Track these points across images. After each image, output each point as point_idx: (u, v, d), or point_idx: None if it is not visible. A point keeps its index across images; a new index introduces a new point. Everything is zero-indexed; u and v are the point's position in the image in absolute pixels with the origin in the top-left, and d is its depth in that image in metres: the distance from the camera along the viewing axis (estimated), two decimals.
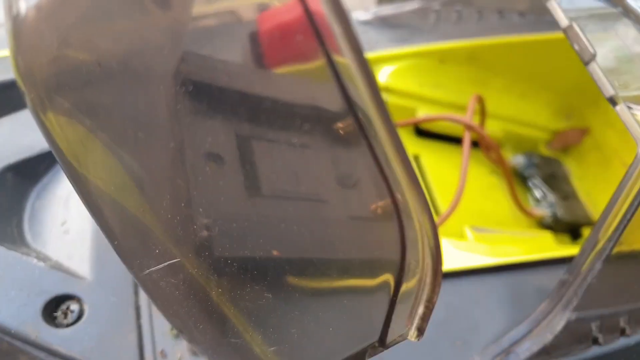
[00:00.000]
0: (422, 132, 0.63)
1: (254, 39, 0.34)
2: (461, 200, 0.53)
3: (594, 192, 0.66)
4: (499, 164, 0.62)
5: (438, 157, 0.61)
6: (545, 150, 0.70)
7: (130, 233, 0.30)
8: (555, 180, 0.67)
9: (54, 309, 0.43)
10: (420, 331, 0.27)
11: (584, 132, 0.70)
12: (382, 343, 0.29)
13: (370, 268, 0.31)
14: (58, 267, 0.45)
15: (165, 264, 0.29)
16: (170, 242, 0.30)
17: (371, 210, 0.29)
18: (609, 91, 0.42)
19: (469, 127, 0.55)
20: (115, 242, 0.28)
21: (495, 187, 0.63)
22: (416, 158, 0.61)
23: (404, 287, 0.28)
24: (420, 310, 0.26)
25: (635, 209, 0.39)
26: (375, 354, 0.30)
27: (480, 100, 0.59)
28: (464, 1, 0.65)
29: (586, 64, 0.44)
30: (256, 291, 0.31)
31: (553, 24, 0.45)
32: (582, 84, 0.60)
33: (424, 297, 0.26)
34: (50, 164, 0.52)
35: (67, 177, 0.27)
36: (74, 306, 0.43)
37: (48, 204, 0.51)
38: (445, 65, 0.63)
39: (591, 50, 0.43)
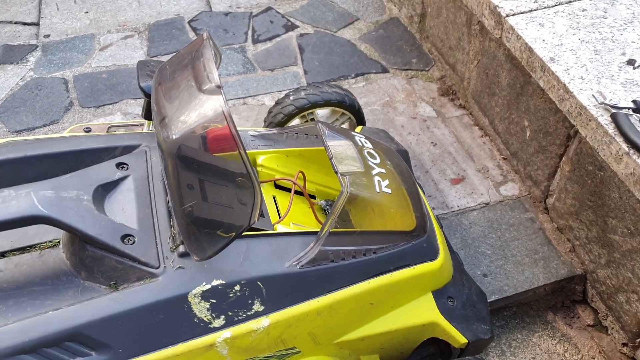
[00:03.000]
0: (277, 186, 1.37)
1: (204, 139, 1.05)
2: (290, 214, 1.26)
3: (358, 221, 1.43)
4: (309, 202, 1.36)
5: (283, 196, 1.35)
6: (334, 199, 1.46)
7: None
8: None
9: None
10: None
11: None
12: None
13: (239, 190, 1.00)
14: None
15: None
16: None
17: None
18: (335, 169, 1.19)
19: (293, 183, 1.29)
20: None
21: (307, 211, 1.37)
22: (274, 197, 1.34)
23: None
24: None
25: None
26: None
27: (303, 173, 1.34)
28: (299, 130, 1.44)
29: (330, 159, 1.21)
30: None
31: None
32: None
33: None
34: None
35: None
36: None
37: None
38: (288, 157, 1.39)
39: (329, 154, 1.21)
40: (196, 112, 0.91)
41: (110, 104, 2.28)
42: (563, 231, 1.69)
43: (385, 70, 2.41)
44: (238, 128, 0.97)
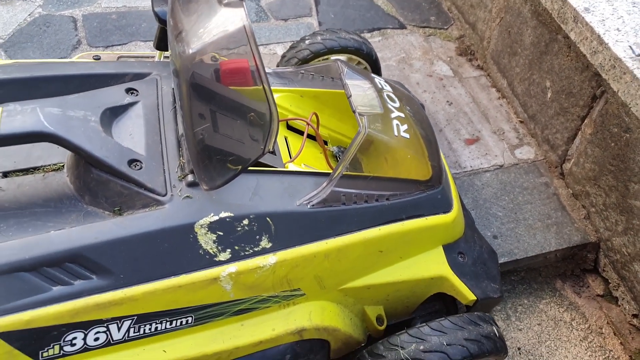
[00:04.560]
0: (289, 127, 1.32)
1: (217, 70, 1.00)
2: (301, 156, 1.21)
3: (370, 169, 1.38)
4: (322, 146, 1.31)
5: (295, 138, 1.30)
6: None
7: None
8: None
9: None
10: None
11: None
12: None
13: (253, 123, 0.95)
14: None
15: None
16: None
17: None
18: (353, 108, 1.14)
19: (307, 123, 1.24)
20: None
21: (319, 156, 1.32)
22: (286, 138, 1.29)
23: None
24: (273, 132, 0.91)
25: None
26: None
27: (316, 115, 1.29)
28: (315, 70, 1.38)
29: (348, 97, 1.16)
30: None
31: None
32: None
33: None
34: None
35: None
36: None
37: None
38: (303, 98, 1.33)
39: (347, 93, 1.16)
40: (216, 25, 0.85)
41: (119, 44, 2.21)
42: (579, 197, 1.65)
43: (402, 27, 2.33)
44: None
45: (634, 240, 1.39)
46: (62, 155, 1.07)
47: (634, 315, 1.47)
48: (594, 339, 1.53)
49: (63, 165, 1.07)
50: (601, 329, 1.56)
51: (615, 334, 1.54)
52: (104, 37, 2.23)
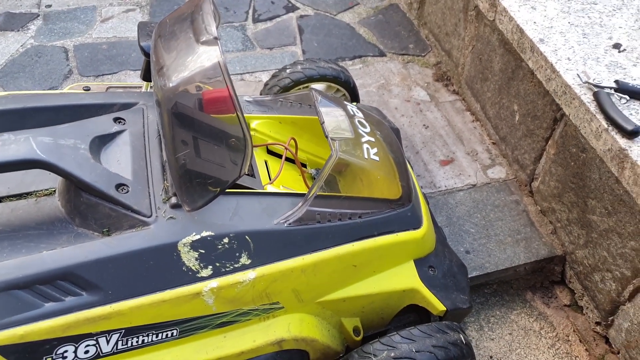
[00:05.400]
0: (269, 152, 1.41)
1: (200, 100, 1.09)
2: (280, 178, 1.30)
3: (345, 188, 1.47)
4: (300, 169, 1.40)
5: (275, 161, 1.39)
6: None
7: None
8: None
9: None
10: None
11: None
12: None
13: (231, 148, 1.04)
14: None
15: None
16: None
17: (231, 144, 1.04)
18: (326, 133, 1.23)
19: (285, 148, 1.33)
20: None
21: (297, 178, 1.41)
22: (266, 161, 1.38)
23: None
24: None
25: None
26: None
27: (294, 140, 1.38)
28: (293, 98, 1.47)
29: (321, 123, 1.25)
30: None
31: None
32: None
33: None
34: None
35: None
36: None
37: None
38: (282, 124, 1.43)
39: (321, 119, 1.25)
40: (193, 61, 0.94)
41: (110, 74, 2.31)
42: (546, 213, 1.74)
43: (382, 54, 2.45)
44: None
45: (593, 252, 1.49)
46: (53, 181, 1.15)
47: (597, 323, 1.56)
48: (561, 346, 1.61)
49: (54, 190, 1.15)
50: (568, 336, 1.64)
51: (580, 341, 1.62)
52: (95, 66, 2.33)
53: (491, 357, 1.59)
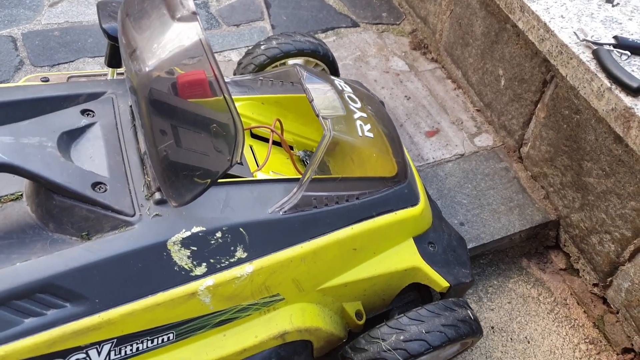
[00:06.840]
0: (253, 135, 1.32)
1: (174, 84, 0.99)
2: (268, 163, 1.21)
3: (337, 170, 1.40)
4: (288, 152, 1.32)
5: (260, 145, 1.30)
6: (313, 150, 1.42)
7: None
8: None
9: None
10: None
11: None
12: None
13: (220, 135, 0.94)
14: None
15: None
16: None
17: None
18: (316, 111, 1.15)
19: (271, 130, 1.24)
20: None
21: (286, 161, 1.33)
22: (251, 146, 1.29)
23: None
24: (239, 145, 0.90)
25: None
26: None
27: (280, 121, 1.30)
28: (274, 75, 1.38)
29: (310, 101, 1.17)
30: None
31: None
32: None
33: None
34: None
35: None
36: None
37: None
38: (264, 105, 1.33)
39: (309, 97, 1.17)
40: (170, 41, 0.84)
41: (66, 62, 2.14)
42: (537, 179, 1.71)
43: (355, 25, 2.36)
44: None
45: (590, 214, 1.46)
46: (19, 184, 1.04)
47: (594, 285, 1.55)
48: (559, 311, 1.61)
49: (22, 195, 1.03)
50: (565, 300, 1.63)
51: (578, 304, 1.61)
52: (48, 55, 2.16)
53: (492, 327, 1.57)
